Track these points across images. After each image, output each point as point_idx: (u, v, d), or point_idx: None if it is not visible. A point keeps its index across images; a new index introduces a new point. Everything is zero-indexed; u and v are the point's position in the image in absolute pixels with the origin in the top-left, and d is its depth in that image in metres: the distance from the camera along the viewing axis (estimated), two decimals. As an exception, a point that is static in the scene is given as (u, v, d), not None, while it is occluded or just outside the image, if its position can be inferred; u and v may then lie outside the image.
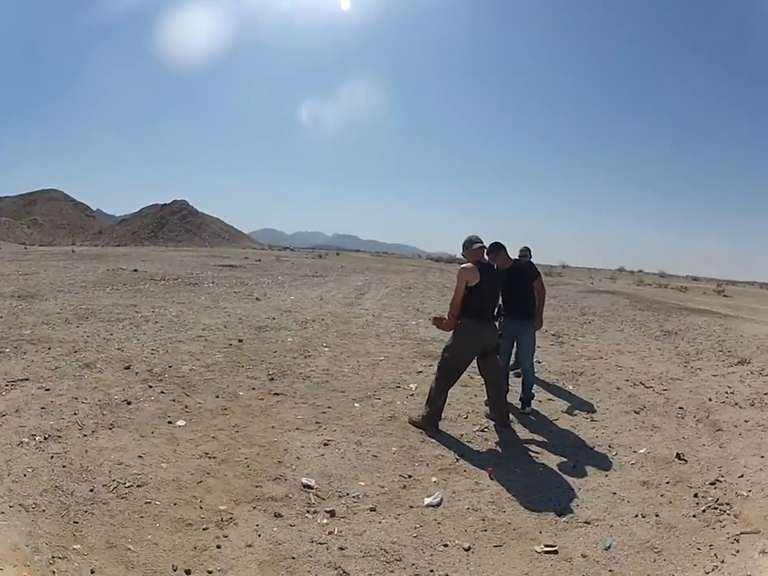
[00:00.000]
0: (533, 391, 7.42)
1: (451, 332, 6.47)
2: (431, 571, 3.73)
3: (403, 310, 15.23)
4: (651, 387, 8.56)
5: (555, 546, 4.12)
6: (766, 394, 8.09)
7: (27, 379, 7.19)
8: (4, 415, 5.96)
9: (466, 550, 4.01)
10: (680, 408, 7.48)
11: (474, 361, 6.55)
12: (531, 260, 8.56)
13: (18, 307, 12.55)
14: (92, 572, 3.51)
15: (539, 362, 9.48)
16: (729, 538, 4.22)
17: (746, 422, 6.80)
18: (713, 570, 3.85)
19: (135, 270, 23.05)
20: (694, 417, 7.11)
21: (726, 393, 8.07)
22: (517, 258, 7.95)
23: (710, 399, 7.78)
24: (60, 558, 3.65)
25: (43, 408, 6.23)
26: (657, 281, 45.34)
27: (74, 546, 3.79)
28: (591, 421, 7.05)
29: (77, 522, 4.08)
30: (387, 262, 47.38)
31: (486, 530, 4.30)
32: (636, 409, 7.48)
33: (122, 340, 9.62)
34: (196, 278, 21.71)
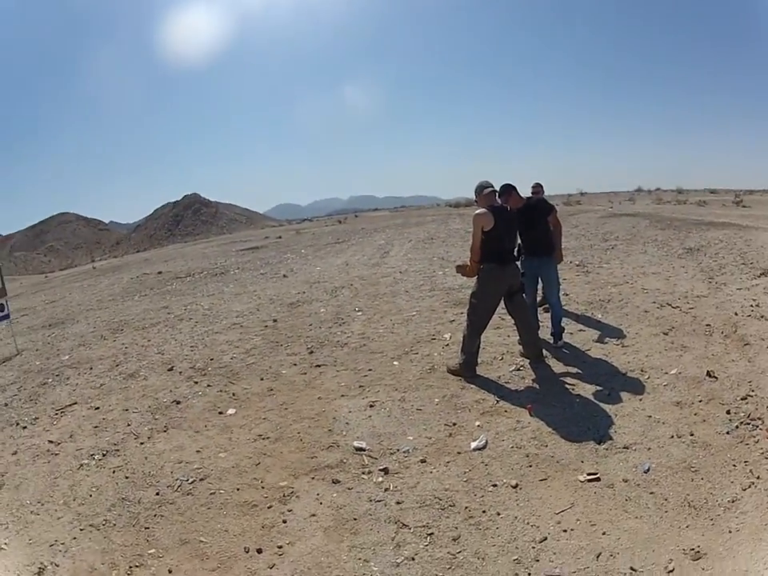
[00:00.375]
0: (562, 324, 7.58)
1: (475, 278, 6.62)
2: (483, 512, 3.97)
3: (428, 261, 15.27)
4: (678, 307, 8.65)
5: (597, 474, 4.31)
6: None
7: (75, 403, 7.45)
8: (59, 443, 6.21)
9: (514, 488, 4.23)
10: (707, 325, 7.57)
11: (502, 302, 6.68)
12: (543, 195, 8.70)
13: (52, 335, 12.75)
14: (170, 572, 3.78)
15: (566, 294, 9.64)
16: (763, 453, 4.39)
17: None
18: (749, 486, 4.02)
19: (159, 272, 23.25)
20: (722, 333, 7.21)
21: (752, 306, 8.16)
22: (529, 195, 8.04)
23: (735, 314, 7.87)
24: (137, 566, 3.91)
25: (96, 427, 6.49)
26: (675, 197, 44.74)
27: (149, 551, 4.04)
28: (622, 347, 7.15)
29: (148, 528, 4.34)
30: (406, 216, 47.07)
31: (530, 466, 4.52)
32: (665, 330, 7.58)
33: (160, 344, 9.87)
34: (221, 267, 21.87)
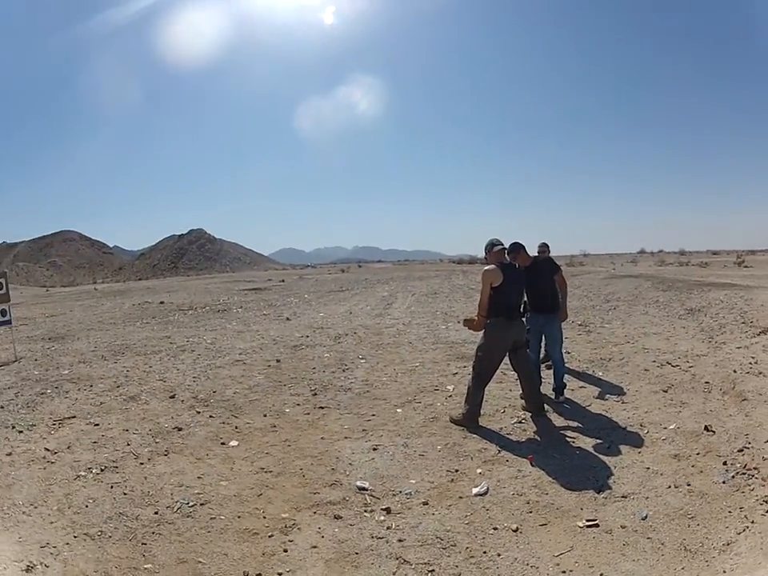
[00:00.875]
0: (564, 380, 7.70)
1: (482, 332, 6.75)
2: (484, 552, 4.02)
3: (432, 315, 15.45)
4: (678, 366, 8.74)
5: (596, 520, 4.40)
6: None
7: (74, 417, 7.50)
8: (56, 453, 6.25)
9: (515, 531, 4.30)
10: (706, 383, 7.67)
11: (507, 357, 6.82)
12: (550, 255, 8.86)
13: (52, 348, 12.82)
14: None
15: (568, 352, 9.74)
16: (758, 500, 4.46)
17: None
18: (744, 530, 4.09)
19: (162, 302, 23.43)
20: (720, 389, 7.31)
21: (750, 363, 8.22)
22: (536, 254, 8.24)
23: (734, 371, 7.92)
24: None
25: (95, 442, 6.53)
26: (677, 259, 45.17)
27: (145, 566, 4.07)
28: (622, 403, 7.29)
29: (145, 544, 4.36)
30: (410, 270, 47.45)
31: (531, 512, 4.59)
32: (664, 388, 7.71)
33: (162, 371, 9.91)
34: (223, 304, 22.01)
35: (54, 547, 4.38)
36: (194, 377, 9.41)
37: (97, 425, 7.14)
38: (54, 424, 7.23)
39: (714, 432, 5.94)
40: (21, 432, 6.97)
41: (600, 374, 8.80)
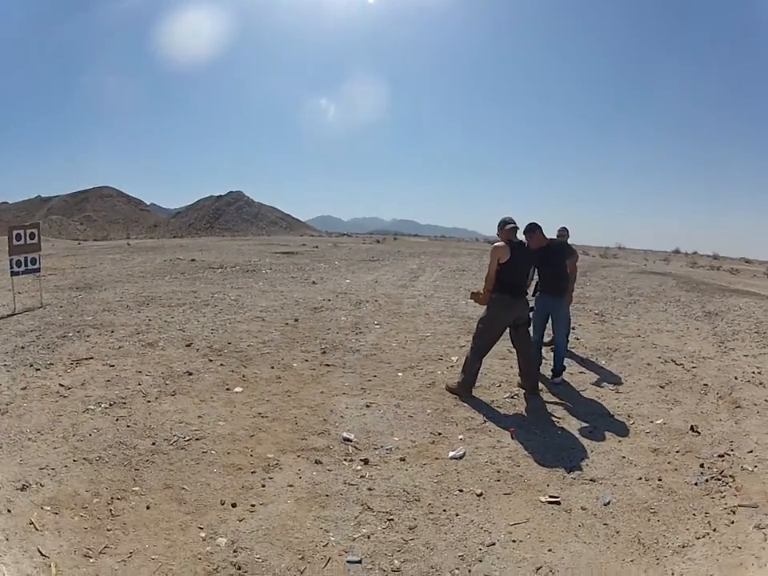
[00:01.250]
0: (565, 364, 7.90)
1: (486, 305, 6.99)
2: (444, 511, 4.30)
3: (455, 290, 15.59)
4: (681, 364, 8.84)
5: (558, 498, 4.61)
6: None
7: (92, 358, 7.91)
8: (69, 388, 6.67)
9: (478, 496, 4.56)
10: (705, 385, 7.77)
11: (508, 332, 7.05)
12: (568, 240, 9.00)
13: (78, 297, 13.30)
14: (147, 508, 4.19)
15: (577, 339, 10.00)
16: (726, 508, 4.55)
17: (766, 401, 7.08)
18: (704, 536, 4.19)
19: (193, 260, 23.71)
20: (717, 393, 7.41)
21: (753, 372, 8.32)
22: (553, 237, 8.39)
23: (735, 378, 8.02)
24: (118, 498, 4.34)
25: (108, 381, 6.95)
26: (710, 263, 44.58)
27: (134, 489, 4.48)
28: (616, 393, 7.42)
29: (137, 470, 4.78)
30: (445, 246, 47.25)
31: (499, 480, 4.84)
32: (662, 383, 7.82)
33: (182, 322, 10.32)
34: (254, 265, 22.34)
35: (53, 469, 4.80)
36: (212, 329, 9.79)
37: (112, 366, 7.56)
38: (72, 364, 7.64)
39: (699, 433, 6.06)
40: (38, 370, 7.39)
41: (603, 362, 8.93)
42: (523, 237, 7.08)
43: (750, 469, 5.22)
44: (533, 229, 7.27)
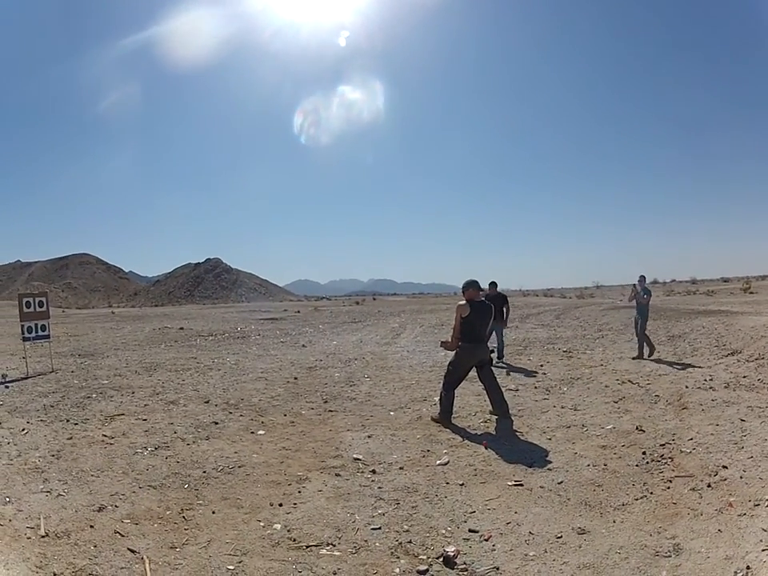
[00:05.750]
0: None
1: (454, 351, 8.43)
2: (436, 496, 5.58)
3: (435, 344, 16.58)
4: (637, 383, 10.20)
5: (522, 482, 5.85)
6: (744, 377, 9.72)
7: (123, 414, 8.95)
8: (113, 438, 7.68)
9: (461, 485, 5.84)
10: (656, 396, 9.10)
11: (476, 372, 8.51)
12: (497, 291, 13.76)
13: (85, 363, 14.36)
14: (213, 512, 5.32)
15: (544, 374, 11.60)
16: (663, 479, 5.73)
17: (713, 400, 8.38)
18: (641, 498, 5.35)
19: (181, 328, 24.90)
20: (667, 401, 8.72)
21: (705, 380, 9.71)
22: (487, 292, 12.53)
23: (686, 387, 9.37)
24: (187, 509, 5.41)
25: (146, 431, 8.03)
26: (687, 288, 45.61)
27: (198, 502, 5.58)
28: (574, 410, 8.68)
29: (197, 490, 5.90)
30: (422, 303, 48.33)
31: (476, 475, 6.13)
32: (615, 399, 9.12)
33: (194, 384, 11.50)
34: (242, 332, 23.49)
35: (123, 495, 5.75)
36: (223, 388, 11.02)
37: (145, 419, 8.62)
38: (106, 419, 8.63)
39: (644, 431, 7.32)
40: (76, 424, 8.35)
41: (565, 389, 10.23)
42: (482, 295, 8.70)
43: (689, 451, 6.42)
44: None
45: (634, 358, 13.27)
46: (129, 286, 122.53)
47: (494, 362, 11.33)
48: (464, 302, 8.34)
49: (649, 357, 13.29)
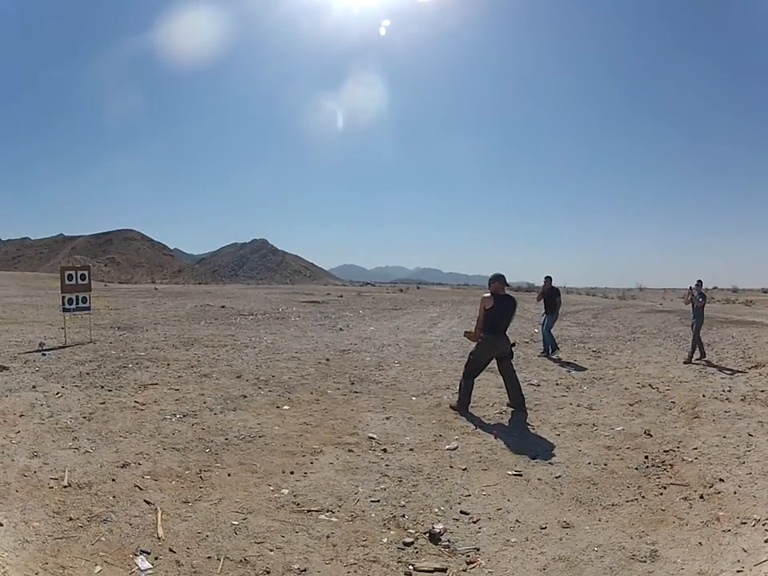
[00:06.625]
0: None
1: (476, 342, 8.73)
2: (437, 477, 5.92)
3: (465, 335, 17.25)
4: (657, 388, 10.32)
5: (521, 472, 6.09)
6: (762, 391, 9.69)
7: (157, 384, 9.46)
8: (144, 404, 8.19)
9: (463, 470, 6.16)
10: (672, 402, 9.20)
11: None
12: (552, 285, 14.79)
13: (124, 335, 15.01)
14: (228, 475, 5.78)
15: (569, 372, 11.82)
16: (658, 485, 5.78)
17: (726, 411, 8.43)
18: (633, 500, 5.47)
19: (223, 307, 25.54)
20: (681, 408, 8.81)
21: (723, 391, 9.77)
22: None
23: (703, 396, 9.46)
24: (205, 470, 5.88)
25: (177, 400, 8.54)
26: (727, 296, 45.02)
27: (216, 465, 6.04)
28: (589, 410, 8.85)
29: (217, 454, 6.36)
30: (465, 294, 48.41)
31: (479, 461, 6.43)
32: (631, 402, 9.26)
33: (228, 360, 12.00)
34: (282, 313, 24.04)
35: (147, 455, 6.22)
36: (256, 365, 11.51)
37: (177, 389, 9.13)
38: (140, 387, 9.16)
39: (651, 436, 7.44)
40: (110, 390, 8.86)
41: (585, 388, 10.42)
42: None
43: (690, 460, 6.48)
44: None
45: (685, 362, 13.37)
46: (173, 262, 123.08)
47: (551, 353, 13.85)
48: (489, 294, 8.56)
49: (699, 359, 13.51)
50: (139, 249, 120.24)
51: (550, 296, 14.98)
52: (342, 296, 41.98)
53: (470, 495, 5.55)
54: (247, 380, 10.16)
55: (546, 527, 4.90)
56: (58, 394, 8.51)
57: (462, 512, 5.18)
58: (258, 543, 4.52)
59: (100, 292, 32.91)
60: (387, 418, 8.09)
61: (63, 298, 14.05)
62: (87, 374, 10.04)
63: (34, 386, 8.91)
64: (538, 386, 10.52)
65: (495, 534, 4.78)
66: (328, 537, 4.64)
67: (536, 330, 18.39)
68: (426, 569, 4.23)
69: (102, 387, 9.07)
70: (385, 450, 6.74)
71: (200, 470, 5.92)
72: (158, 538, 4.50)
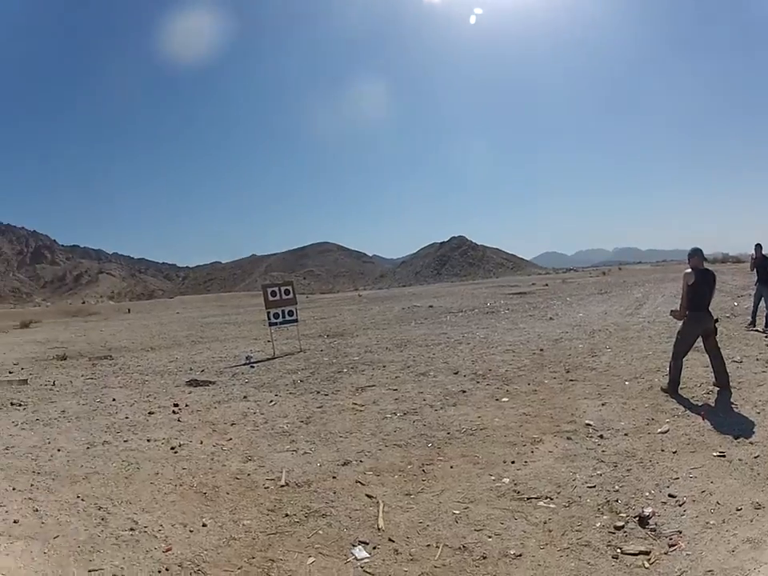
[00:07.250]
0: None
1: (682, 320, 8.93)
2: (649, 460, 6.30)
3: (672, 314, 17.09)
4: None
5: (725, 453, 6.31)
6: None
7: (374, 386, 10.24)
8: (363, 405, 8.93)
9: (674, 453, 6.51)
10: None
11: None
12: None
13: (334, 342, 15.96)
14: (450, 467, 6.44)
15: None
16: None
17: None
18: None
19: (431, 306, 26.37)
20: None
21: None
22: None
23: None
24: (428, 464, 6.53)
25: (396, 399, 9.26)
26: None
27: (438, 458, 6.70)
28: None
29: (439, 448, 7.05)
30: (665, 272, 46.36)
31: (688, 444, 6.75)
32: None
33: (443, 357, 12.74)
34: (491, 307, 24.51)
35: (369, 452, 6.91)
36: (472, 360, 12.24)
37: (395, 389, 9.90)
38: (357, 390, 9.94)
39: None
40: (326, 395, 9.66)
41: None
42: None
43: None
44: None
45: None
46: (374, 268, 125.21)
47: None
48: (689, 270, 8.70)
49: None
50: (337, 259, 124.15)
51: (763, 265, 14.46)
52: (547, 285, 42.01)
53: (678, 478, 5.82)
54: (464, 375, 10.82)
55: (741, 509, 5.02)
56: (271, 402, 9.39)
57: (669, 495, 5.46)
58: (478, 531, 4.98)
59: (303, 304, 33.85)
60: (603, 405, 8.56)
61: (269, 312, 15.56)
62: (301, 381, 10.98)
63: (245, 396, 9.89)
64: (741, 362, 10.44)
65: (697, 517, 5.00)
66: (545, 523, 5.09)
67: (735, 304, 18.06)
68: (631, 552, 4.55)
69: (318, 392, 9.91)
70: (601, 437, 7.19)
71: (422, 464, 6.55)
72: (378, 529, 5.04)
